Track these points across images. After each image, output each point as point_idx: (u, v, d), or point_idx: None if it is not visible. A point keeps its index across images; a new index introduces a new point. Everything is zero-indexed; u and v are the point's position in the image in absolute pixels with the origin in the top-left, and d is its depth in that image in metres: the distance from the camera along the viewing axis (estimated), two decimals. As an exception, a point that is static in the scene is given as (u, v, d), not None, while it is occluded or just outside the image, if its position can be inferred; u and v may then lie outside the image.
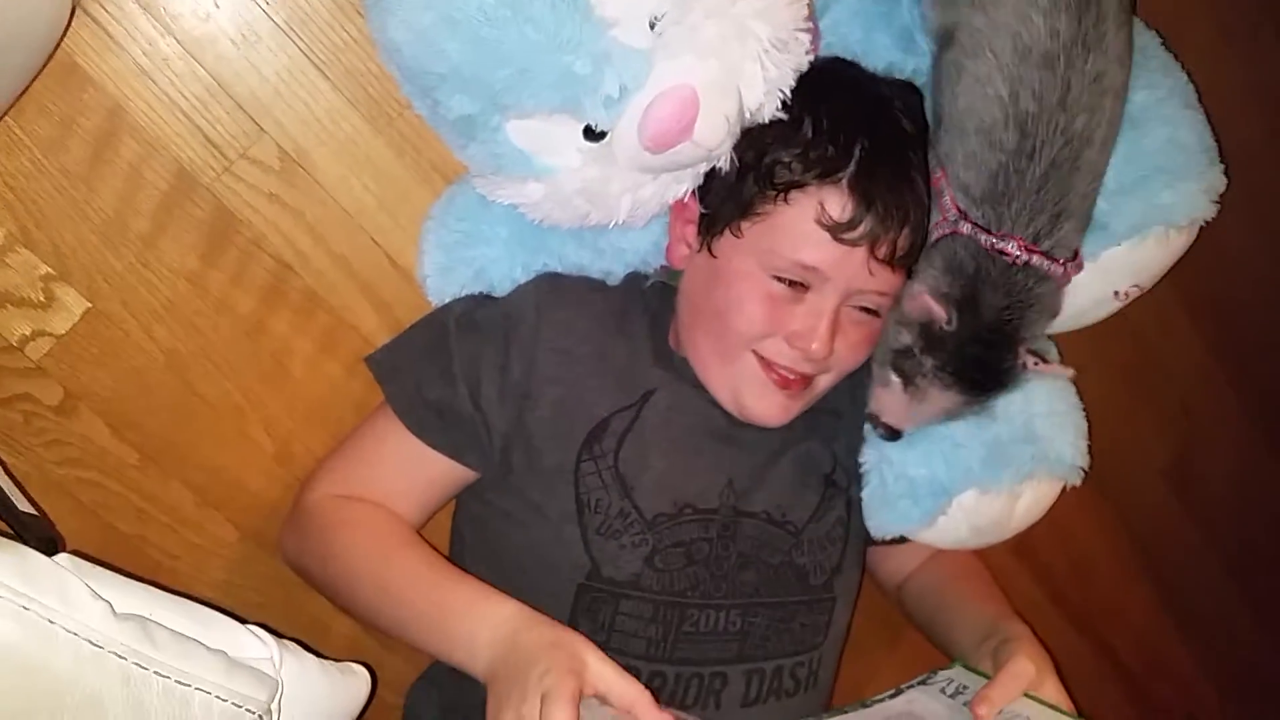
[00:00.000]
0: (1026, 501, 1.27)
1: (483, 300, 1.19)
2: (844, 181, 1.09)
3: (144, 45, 1.10)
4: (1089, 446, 1.31)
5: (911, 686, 1.19)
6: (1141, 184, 1.21)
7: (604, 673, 0.93)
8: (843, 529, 1.25)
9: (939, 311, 1.09)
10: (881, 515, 1.26)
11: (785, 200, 1.10)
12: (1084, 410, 1.32)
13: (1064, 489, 1.30)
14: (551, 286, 1.20)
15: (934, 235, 1.14)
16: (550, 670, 0.91)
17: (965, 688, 1.14)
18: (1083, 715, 1.05)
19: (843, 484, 1.26)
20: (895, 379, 1.15)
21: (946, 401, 1.15)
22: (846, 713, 1.15)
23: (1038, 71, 1.07)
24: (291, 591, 1.26)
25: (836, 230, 1.08)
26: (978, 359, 1.12)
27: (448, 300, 1.21)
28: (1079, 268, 1.16)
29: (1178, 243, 1.24)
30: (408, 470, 1.18)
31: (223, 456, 1.23)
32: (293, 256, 1.19)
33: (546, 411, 1.15)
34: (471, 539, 1.23)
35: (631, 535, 1.13)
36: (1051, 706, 1.07)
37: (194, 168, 1.14)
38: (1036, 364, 1.16)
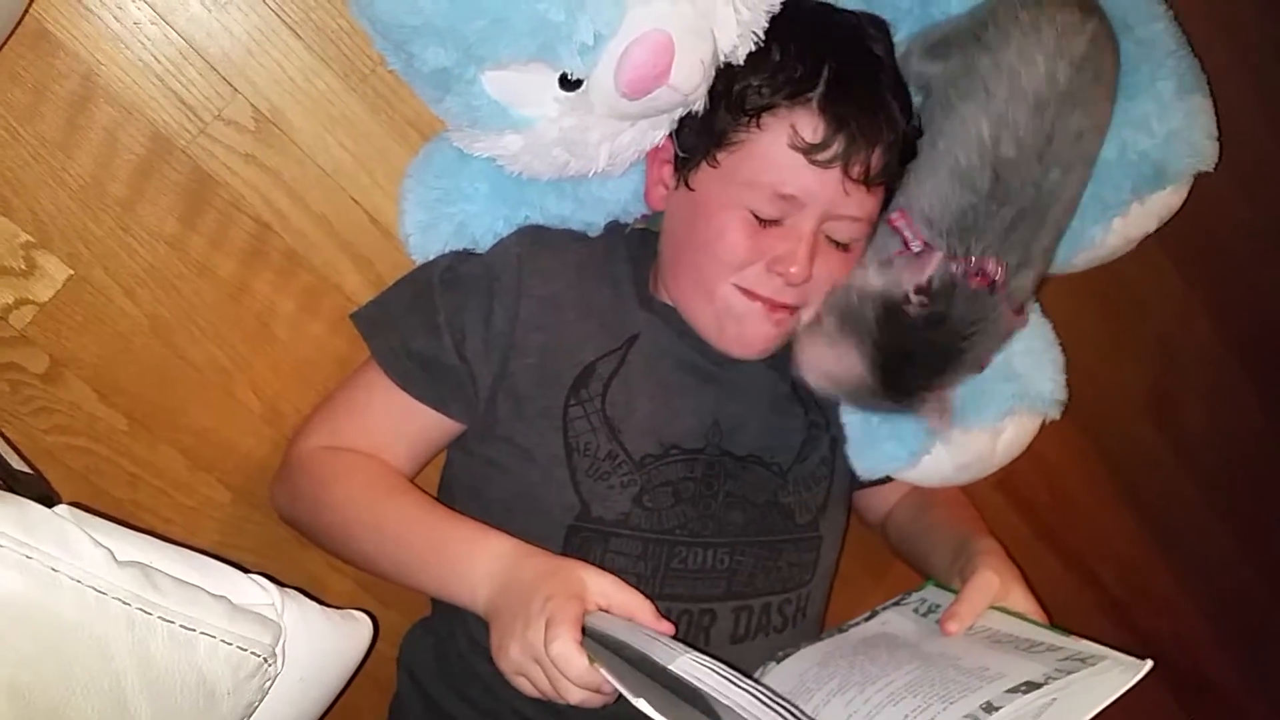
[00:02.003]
0: (1008, 437, 1.30)
1: (466, 255, 1.20)
2: (814, 102, 1.10)
3: (114, 9, 1.10)
4: (1069, 382, 1.34)
5: (886, 609, 1.21)
6: (1187, 129, 1.25)
7: (603, 588, 0.95)
8: (827, 469, 1.27)
9: (927, 269, 1.10)
10: (868, 457, 1.28)
11: (758, 125, 1.11)
12: (1061, 346, 1.35)
13: (1044, 423, 1.32)
14: (534, 237, 1.21)
15: (897, 261, 1.14)
16: (552, 596, 0.92)
17: (937, 605, 1.15)
18: (1055, 625, 1.06)
19: (822, 425, 1.28)
20: (831, 321, 1.14)
21: (853, 375, 1.14)
22: (824, 640, 1.17)
23: (1026, 116, 1.09)
24: (287, 550, 1.27)
25: (810, 152, 1.09)
26: (914, 359, 1.13)
27: (431, 258, 1.21)
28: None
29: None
30: (394, 423, 1.18)
31: (211, 418, 1.23)
32: (272, 217, 1.20)
33: (533, 358, 1.16)
34: (459, 491, 1.24)
35: (620, 476, 1.14)
36: (1019, 616, 1.08)
37: (169, 131, 1.14)
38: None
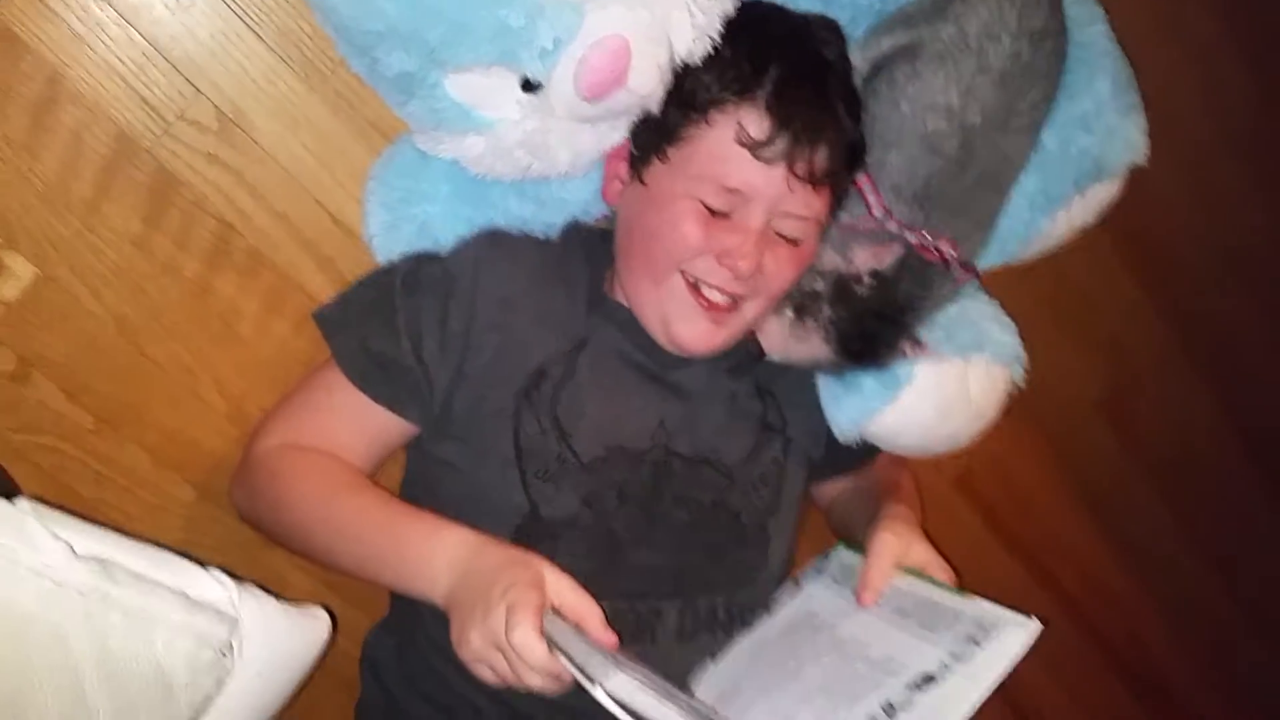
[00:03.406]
0: (979, 381, 1.33)
1: (428, 258, 1.21)
2: (761, 100, 1.12)
3: (79, 11, 1.11)
4: (1025, 383, 1.38)
5: (807, 577, 1.25)
6: (1123, 125, 1.32)
7: (559, 586, 0.97)
8: (778, 470, 1.28)
9: (886, 258, 1.16)
10: (848, 402, 1.30)
11: (707, 121, 1.13)
12: None
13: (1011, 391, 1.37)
14: (492, 240, 1.22)
15: (860, 227, 1.20)
16: (514, 585, 0.94)
17: (852, 569, 1.19)
18: (952, 587, 1.10)
19: (778, 425, 1.30)
20: (789, 312, 1.21)
21: (818, 352, 1.22)
22: (756, 628, 1.20)
23: (992, 89, 1.15)
24: (250, 549, 1.28)
25: (755, 148, 1.11)
26: (869, 334, 1.20)
27: (395, 258, 1.22)
28: (970, 277, 1.25)
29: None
30: (351, 422, 1.19)
31: (176, 418, 1.24)
32: (234, 216, 1.21)
33: (487, 357, 1.17)
34: (417, 489, 1.25)
35: (569, 478, 1.16)
36: (920, 576, 1.12)
37: (133, 131, 1.15)
38: (915, 348, 1.24)
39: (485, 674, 0.96)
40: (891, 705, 0.96)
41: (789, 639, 1.15)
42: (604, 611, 0.98)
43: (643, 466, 1.19)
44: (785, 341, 1.23)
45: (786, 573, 1.33)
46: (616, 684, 0.84)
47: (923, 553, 1.15)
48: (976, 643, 0.98)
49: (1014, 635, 0.97)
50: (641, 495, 1.19)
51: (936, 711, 0.94)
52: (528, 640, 0.90)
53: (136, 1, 1.13)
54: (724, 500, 1.23)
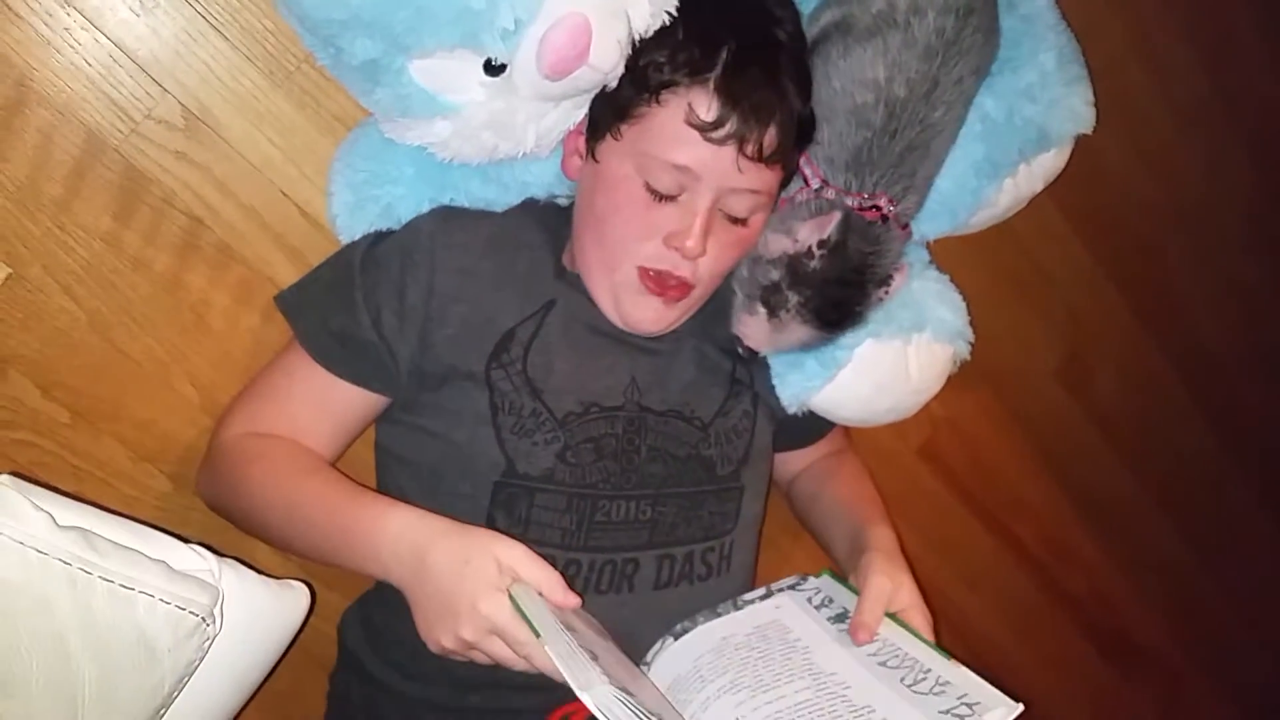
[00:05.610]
0: (919, 359, 1.38)
1: (385, 234, 1.24)
2: (711, 82, 1.14)
3: (44, 16, 1.14)
4: (985, 351, 1.43)
5: (782, 590, 1.27)
6: (1067, 97, 1.36)
7: (513, 563, 1.00)
8: (749, 422, 1.32)
9: (828, 227, 1.19)
10: (792, 378, 1.35)
11: (658, 101, 1.15)
12: (977, 316, 1.44)
13: (956, 363, 1.42)
14: (445, 214, 1.25)
15: (799, 199, 1.25)
16: (478, 597, 0.97)
17: (831, 599, 1.22)
18: (938, 645, 1.13)
19: (746, 381, 1.34)
20: (761, 309, 1.25)
21: (804, 334, 1.26)
22: (720, 615, 1.22)
23: (917, 62, 1.20)
24: (229, 538, 1.29)
25: (705, 129, 1.13)
26: (836, 301, 1.24)
27: (356, 238, 1.25)
28: (908, 236, 1.29)
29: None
30: (317, 402, 1.22)
31: (151, 410, 1.27)
32: (203, 211, 1.23)
33: (453, 329, 1.20)
34: (390, 462, 1.27)
35: (544, 433, 1.19)
36: (906, 628, 1.15)
37: (102, 131, 1.18)
38: (886, 291, 1.28)
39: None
40: None
41: (760, 644, 1.16)
42: (582, 563, 1.01)
43: (617, 422, 1.22)
44: (770, 337, 1.27)
45: (762, 525, 1.37)
46: (599, 694, 0.86)
47: (909, 596, 1.19)
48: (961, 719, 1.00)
49: (998, 717, 0.98)
50: (617, 449, 1.21)
51: None
52: (540, 657, 0.94)
53: (101, 4, 1.15)
54: (698, 452, 1.26)
